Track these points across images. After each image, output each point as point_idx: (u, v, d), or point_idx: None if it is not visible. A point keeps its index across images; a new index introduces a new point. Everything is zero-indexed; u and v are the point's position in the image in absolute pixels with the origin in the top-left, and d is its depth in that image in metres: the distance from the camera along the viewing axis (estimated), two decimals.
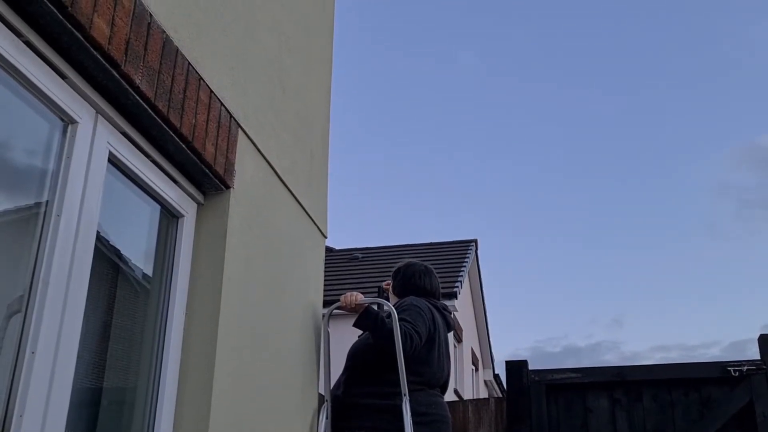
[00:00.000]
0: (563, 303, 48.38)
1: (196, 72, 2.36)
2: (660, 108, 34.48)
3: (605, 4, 33.90)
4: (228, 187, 2.57)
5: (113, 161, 2.11)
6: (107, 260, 2.18)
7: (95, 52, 1.84)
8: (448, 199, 37.97)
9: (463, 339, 17.30)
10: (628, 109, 33.99)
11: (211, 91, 2.46)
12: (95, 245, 1.99)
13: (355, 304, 3.48)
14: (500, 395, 20.05)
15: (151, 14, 2.09)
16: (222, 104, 2.54)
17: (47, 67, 1.81)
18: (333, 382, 3.58)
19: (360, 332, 3.69)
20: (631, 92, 34.11)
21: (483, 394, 20.84)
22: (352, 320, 3.49)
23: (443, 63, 33.49)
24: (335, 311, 3.49)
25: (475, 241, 18.59)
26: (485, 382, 21.44)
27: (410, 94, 36.40)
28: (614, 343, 55.73)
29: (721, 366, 5.26)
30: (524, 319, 47.86)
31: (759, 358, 5.22)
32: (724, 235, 45.03)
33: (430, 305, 3.72)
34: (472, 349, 19.10)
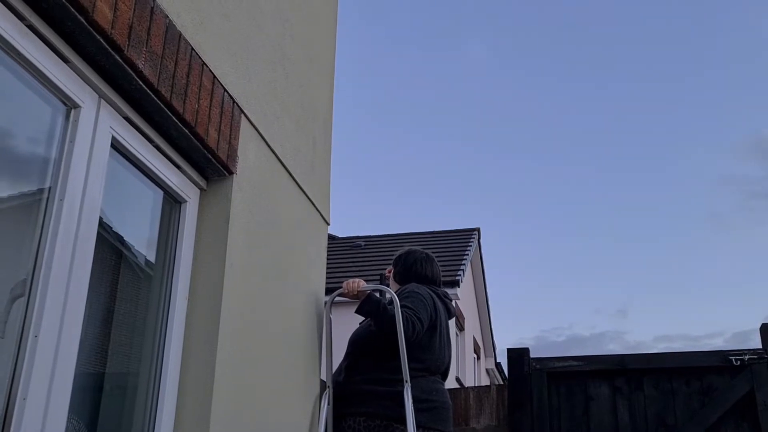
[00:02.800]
0: (568, 293, 48.47)
1: (199, 57, 2.36)
2: (666, 98, 34.45)
3: None
4: (231, 173, 2.57)
5: (116, 146, 2.11)
6: (110, 245, 2.18)
7: (98, 37, 1.83)
8: (451, 188, 38.00)
9: (465, 327, 17.34)
10: (633, 99, 33.95)
11: (214, 77, 2.46)
12: (98, 230, 1.99)
13: (357, 291, 3.49)
14: (502, 384, 20.08)
15: None
16: (225, 90, 2.53)
17: (50, 51, 1.81)
18: (334, 369, 3.59)
19: (361, 319, 3.70)
20: (636, 83, 34.08)
21: (485, 382, 20.89)
22: (354, 307, 3.50)
23: (451, 54, 33.45)
24: (337, 298, 3.50)
25: (478, 229, 18.60)
26: (487, 370, 21.49)
27: (415, 84, 36.35)
28: (618, 333, 55.79)
29: (722, 355, 5.27)
30: (529, 309, 48.03)
31: (761, 347, 5.23)
32: (728, 225, 45.02)
33: (431, 292, 3.72)
34: (474, 337, 19.14)
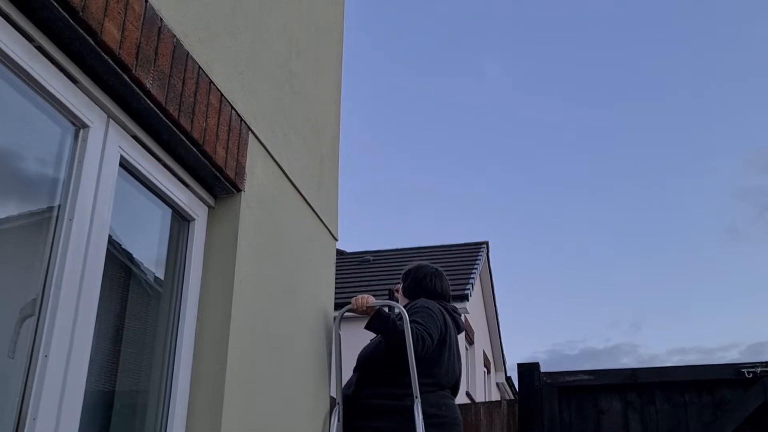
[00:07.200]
0: (582, 307, 48.35)
1: (207, 76, 2.37)
2: (681, 111, 34.43)
3: (623, 14, 33.83)
4: (239, 191, 2.57)
5: (125, 165, 2.11)
6: (119, 264, 2.19)
7: (106, 57, 1.84)
8: (460, 201, 37.99)
9: (475, 341, 17.28)
10: (648, 113, 33.95)
11: (222, 95, 2.47)
12: (107, 249, 1.99)
13: (367, 307, 3.48)
14: (512, 398, 20.00)
15: (161, 18, 2.09)
16: (232, 108, 2.54)
17: (59, 72, 1.82)
18: (344, 384, 3.58)
19: (371, 335, 3.69)
20: (651, 97, 34.08)
21: (495, 396, 20.79)
22: (364, 323, 3.50)
23: (461, 69, 33.55)
24: (346, 314, 3.49)
25: (486, 243, 18.57)
26: (497, 384, 21.40)
27: (424, 98, 36.46)
28: (632, 346, 55.62)
29: (734, 367, 5.23)
30: (542, 323, 47.94)
31: None
32: (744, 238, 44.94)
33: (440, 307, 3.72)
34: (483, 351, 19.07)
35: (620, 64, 34.74)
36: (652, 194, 37.87)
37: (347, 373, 3.58)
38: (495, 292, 19.70)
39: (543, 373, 5.50)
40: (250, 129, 2.68)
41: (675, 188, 37.30)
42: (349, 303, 3.51)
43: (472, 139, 37.14)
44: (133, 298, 2.29)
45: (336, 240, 3.68)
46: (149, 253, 2.38)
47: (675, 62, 34.64)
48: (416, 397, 3.34)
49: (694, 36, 33.91)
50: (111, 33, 1.83)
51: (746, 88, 34.97)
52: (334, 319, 3.53)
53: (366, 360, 3.65)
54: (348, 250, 19.14)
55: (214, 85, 2.42)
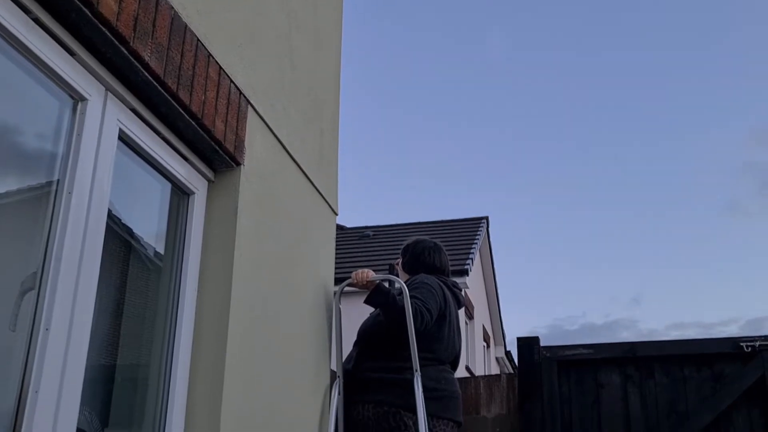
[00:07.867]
0: (582, 282, 48.49)
1: (205, 48, 2.35)
2: (683, 85, 34.25)
3: None
4: (238, 164, 2.56)
5: (123, 138, 2.11)
6: (119, 238, 2.19)
7: (103, 29, 1.83)
8: (461, 175, 37.95)
9: (475, 316, 17.35)
10: (651, 85, 33.76)
11: (221, 68, 2.45)
12: (107, 223, 1.99)
13: (367, 281, 3.49)
14: (512, 372, 20.10)
15: None
16: (231, 81, 2.53)
17: (56, 45, 1.81)
18: (344, 358, 3.60)
19: (371, 309, 3.70)
20: (653, 69, 33.88)
21: (494, 370, 20.91)
22: (364, 297, 3.50)
23: (462, 41, 33.34)
24: (346, 288, 3.50)
25: (486, 218, 18.59)
26: (497, 359, 21.51)
27: (422, 72, 36.26)
28: (631, 321, 55.96)
29: (733, 341, 5.25)
30: (543, 298, 48.17)
31: None
32: (745, 213, 44.96)
33: (440, 282, 3.72)
34: (483, 326, 19.16)
35: (624, 33, 34.56)
36: (653, 168, 37.86)
37: (347, 348, 3.59)
38: (495, 267, 19.75)
39: (542, 347, 5.52)
40: (249, 102, 2.66)
41: (677, 162, 37.29)
42: (350, 278, 3.52)
43: (473, 112, 37.00)
44: (133, 272, 2.29)
45: (336, 214, 3.68)
46: (149, 227, 2.38)
47: (679, 35, 34.44)
48: (416, 371, 3.36)
49: (701, 8, 33.68)
50: (108, 4, 1.81)
51: (752, 60, 34.79)
52: (335, 293, 3.54)
53: (366, 334, 3.67)
54: (348, 225, 19.16)
55: (213, 58, 2.40)
